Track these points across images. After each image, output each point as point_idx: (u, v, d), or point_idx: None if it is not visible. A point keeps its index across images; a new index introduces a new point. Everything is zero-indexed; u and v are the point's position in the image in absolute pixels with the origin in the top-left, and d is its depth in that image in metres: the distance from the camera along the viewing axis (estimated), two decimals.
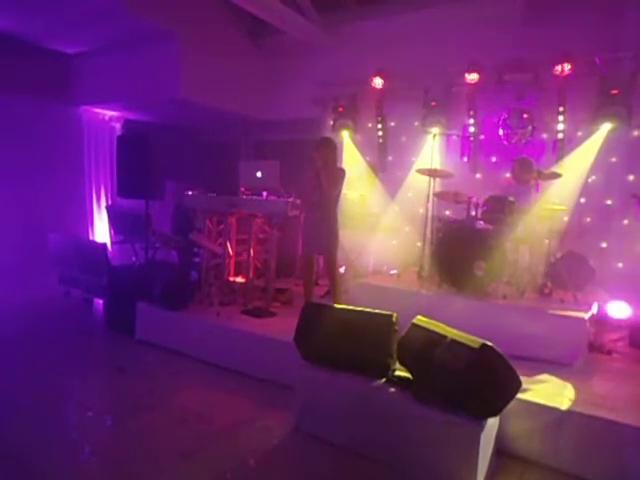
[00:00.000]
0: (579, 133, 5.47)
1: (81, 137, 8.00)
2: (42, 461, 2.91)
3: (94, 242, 7.29)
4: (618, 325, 4.70)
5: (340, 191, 4.62)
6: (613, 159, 5.33)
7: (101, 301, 6.27)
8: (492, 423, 2.85)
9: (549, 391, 3.28)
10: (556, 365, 3.73)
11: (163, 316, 4.95)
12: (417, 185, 6.04)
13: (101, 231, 8.20)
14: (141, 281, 5.33)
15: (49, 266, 6.68)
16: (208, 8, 6.74)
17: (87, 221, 8.12)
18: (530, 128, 5.78)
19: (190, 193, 5.60)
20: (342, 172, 4.64)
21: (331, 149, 4.60)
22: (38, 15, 5.88)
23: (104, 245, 6.15)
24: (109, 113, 8.25)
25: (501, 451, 3.03)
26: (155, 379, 4.20)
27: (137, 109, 8.05)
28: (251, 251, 5.40)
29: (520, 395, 2.93)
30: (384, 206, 6.54)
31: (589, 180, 5.43)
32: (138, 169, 5.34)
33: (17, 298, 6.16)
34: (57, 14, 5.87)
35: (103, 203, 8.24)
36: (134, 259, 6.32)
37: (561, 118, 5.43)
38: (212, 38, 6.86)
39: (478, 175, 6.16)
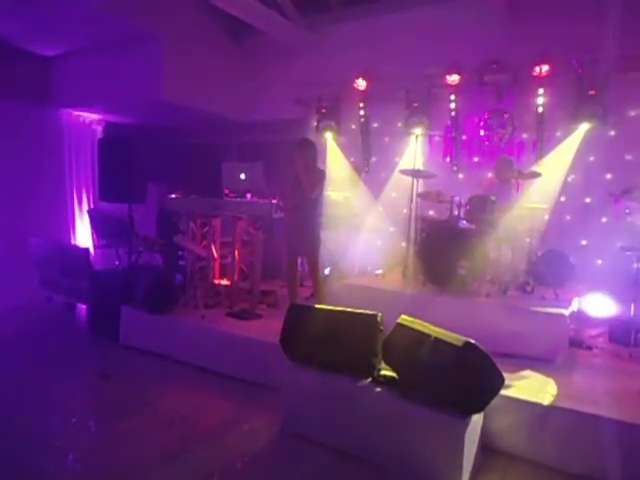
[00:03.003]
0: (558, 133, 5.57)
1: (61, 140, 7.88)
2: (26, 467, 2.86)
3: (76, 246, 7.20)
4: (598, 321, 4.79)
5: (320, 193, 4.59)
6: (591, 158, 5.43)
7: (84, 306, 6.19)
8: (476, 419, 2.89)
9: (531, 387, 3.34)
10: (538, 361, 3.79)
11: (148, 320, 4.90)
12: (401, 186, 6.08)
13: (83, 235, 8.09)
14: (125, 285, 5.28)
15: (31, 271, 6.57)
16: (190, 10, 6.70)
17: (69, 225, 8.01)
18: (510, 128, 5.86)
19: (173, 196, 5.56)
20: (322, 173, 4.63)
21: (311, 150, 4.59)
22: (16, 17, 5.78)
23: (86, 249, 6.08)
24: (90, 116, 8.15)
25: (486, 447, 3.06)
26: (141, 383, 4.16)
27: (118, 111, 7.97)
28: (236, 253, 5.38)
29: (503, 391, 2.97)
30: (368, 207, 6.57)
31: (568, 179, 5.52)
32: (120, 172, 5.29)
33: None
34: (36, 16, 5.78)
35: (85, 207, 8.13)
36: (117, 263, 6.25)
37: (540, 118, 5.52)
38: (194, 40, 6.82)
39: (460, 175, 6.23)
